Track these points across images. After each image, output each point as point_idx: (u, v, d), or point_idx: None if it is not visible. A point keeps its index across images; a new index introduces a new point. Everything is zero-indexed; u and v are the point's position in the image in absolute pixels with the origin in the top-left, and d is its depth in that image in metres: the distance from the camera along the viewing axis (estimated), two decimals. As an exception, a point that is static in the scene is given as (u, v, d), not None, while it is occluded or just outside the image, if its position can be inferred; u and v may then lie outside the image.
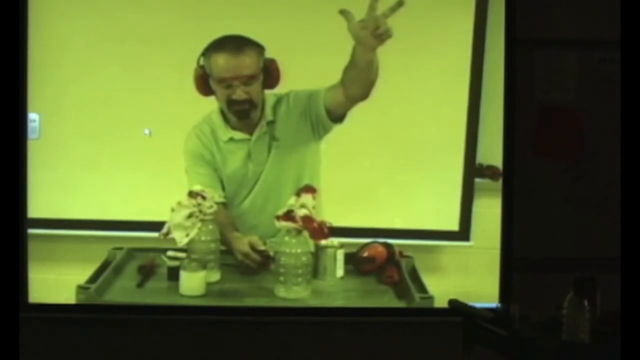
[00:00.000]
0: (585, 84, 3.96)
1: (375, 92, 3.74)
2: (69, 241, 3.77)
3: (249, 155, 3.77)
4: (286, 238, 3.59)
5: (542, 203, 3.94)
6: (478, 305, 3.22)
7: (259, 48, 3.71)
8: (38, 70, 3.74)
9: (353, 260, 3.81)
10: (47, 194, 3.78)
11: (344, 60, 3.71)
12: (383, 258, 3.81)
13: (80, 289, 3.66)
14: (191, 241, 3.63)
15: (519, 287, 3.84)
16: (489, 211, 3.86)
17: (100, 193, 3.78)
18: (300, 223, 3.55)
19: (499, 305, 3.39)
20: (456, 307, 3.16)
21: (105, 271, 3.73)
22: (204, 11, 3.76)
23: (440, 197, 3.78)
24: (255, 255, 3.71)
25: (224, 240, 3.72)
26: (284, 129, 3.78)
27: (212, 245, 3.67)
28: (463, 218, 3.89)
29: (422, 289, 3.67)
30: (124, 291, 3.68)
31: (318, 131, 3.78)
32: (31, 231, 3.77)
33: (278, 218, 3.58)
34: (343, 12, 3.63)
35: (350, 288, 3.75)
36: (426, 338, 3.54)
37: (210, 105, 3.76)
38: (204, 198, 3.63)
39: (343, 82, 3.70)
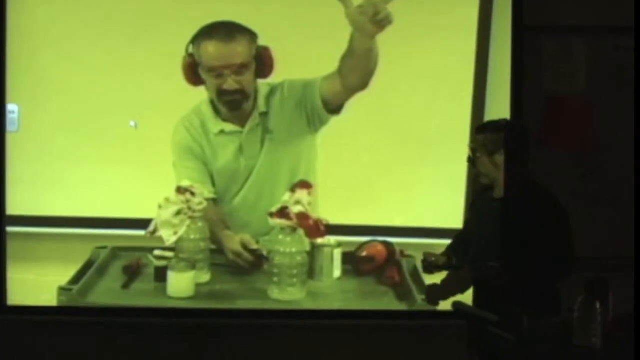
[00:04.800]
0: (597, 73, 3.96)
1: (375, 82, 3.75)
2: (50, 240, 3.79)
3: (240, 149, 3.77)
4: (280, 236, 3.58)
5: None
6: None
7: (251, 35, 3.70)
8: (16, 59, 3.75)
9: (351, 260, 3.81)
10: (27, 190, 3.80)
11: (341, 48, 3.69)
12: (383, 257, 3.81)
13: (62, 290, 3.65)
14: (179, 240, 3.63)
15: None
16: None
17: (84, 189, 3.80)
18: (295, 220, 3.54)
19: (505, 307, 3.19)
20: (460, 310, 3.09)
21: (89, 271, 3.72)
22: (193, -5, 3.76)
23: (444, 193, 3.78)
24: (247, 255, 3.69)
25: (214, 238, 3.72)
26: (278, 120, 3.77)
27: (202, 244, 3.67)
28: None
29: (424, 290, 3.60)
30: (108, 293, 3.66)
31: (314, 123, 3.79)
32: (10, 229, 3.80)
33: (272, 215, 3.56)
34: (340, -3, 3.62)
35: (348, 289, 3.74)
36: (428, 342, 3.57)
37: (200, 95, 3.77)
38: (193, 194, 3.63)
39: (340, 71, 3.69)
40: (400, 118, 3.84)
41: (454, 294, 3.24)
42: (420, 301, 3.60)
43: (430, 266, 3.31)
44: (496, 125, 3.22)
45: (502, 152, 3.14)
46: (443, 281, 3.27)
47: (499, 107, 3.84)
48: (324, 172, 3.80)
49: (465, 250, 3.31)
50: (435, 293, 3.29)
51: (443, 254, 3.37)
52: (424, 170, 3.81)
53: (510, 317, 3.01)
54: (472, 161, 3.23)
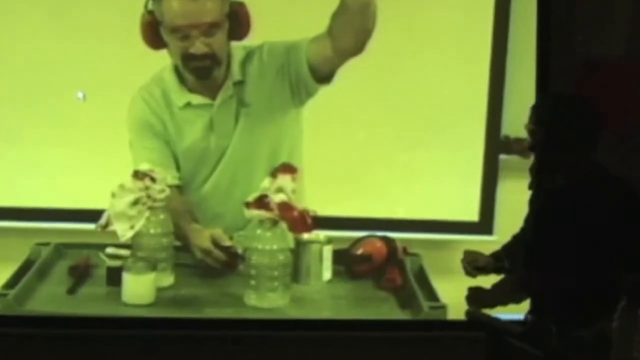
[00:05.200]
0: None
1: (372, 45, 3.66)
2: (-20, 234, 3.84)
3: (210, 125, 3.75)
4: (258, 231, 3.47)
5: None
6: (504, 316, 3.20)
7: (223, -12, 3.71)
8: None
9: (344, 259, 3.76)
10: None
11: (332, 3, 3.62)
12: (382, 256, 3.72)
13: (-5, 295, 3.62)
14: (137, 235, 3.54)
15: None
16: (518, 197, 3.76)
17: (22, 174, 3.85)
18: (277, 211, 3.43)
19: (531, 316, 3.34)
20: (476, 320, 3.16)
21: (28, 273, 3.65)
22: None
23: (456, 179, 3.86)
24: (218, 253, 3.59)
25: (179, 233, 3.65)
26: (256, 91, 3.74)
27: (164, 240, 3.58)
28: (484, 205, 3.94)
29: (432, 295, 3.57)
30: (51, 299, 3.57)
31: (299, 94, 3.75)
32: None
33: (248, 205, 3.46)
34: (331, -59, 3.60)
35: (340, 294, 3.66)
36: (438, 358, 3.53)
37: (162, 61, 3.72)
38: (153, 180, 3.54)
39: (331, 31, 3.65)
40: (402, 89, 3.87)
41: (505, 302, 3.30)
42: (427, 309, 3.50)
43: (470, 267, 3.39)
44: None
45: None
46: (495, 285, 3.32)
47: (523, 76, 3.85)
48: (311, 154, 3.78)
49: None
50: (481, 297, 3.34)
51: (493, 255, 3.39)
52: (432, 152, 3.85)
53: (538, 327, 3.11)
54: (530, 145, 3.25)
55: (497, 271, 3.37)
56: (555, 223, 3.15)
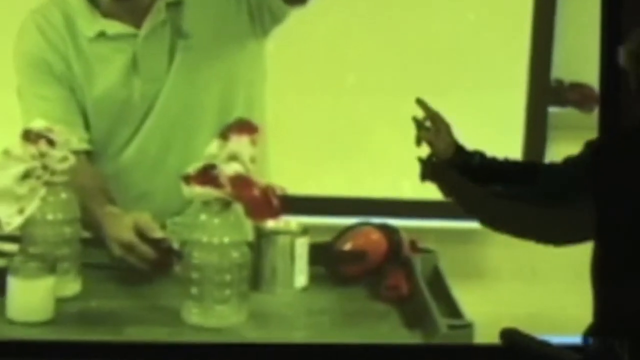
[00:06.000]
0: None
1: None
2: None
3: (134, 65, 3.56)
4: (203, 216, 3.23)
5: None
6: (554, 339, 3.00)
7: None
8: None
9: (326, 258, 3.53)
10: None
11: None
12: (380, 253, 3.50)
13: None
14: (28, 222, 3.31)
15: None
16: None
17: None
18: (229, 189, 3.18)
19: (592, 339, 3.06)
20: (515, 343, 2.95)
21: None
22: None
23: (487, 142, 3.49)
24: (145, 248, 3.36)
25: (88, 220, 3.45)
26: (199, 15, 3.57)
27: (67, 230, 3.35)
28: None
29: (451, 309, 3.30)
30: None
31: (261, 20, 3.60)
32: None
33: (188, 180, 3.21)
34: None
35: (320, 308, 3.42)
36: None
37: None
38: (51, 143, 3.32)
39: None
40: (409, 14, 3.88)
41: (468, 194, 3.30)
42: (445, 328, 3.23)
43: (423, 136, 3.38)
44: None
45: None
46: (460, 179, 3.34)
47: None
48: (277, 106, 3.64)
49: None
50: (439, 169, 3.32)
51: (468, 151, 3.34)
52: (453, 103, 3.58)
53: (602, 354, 2.94)
54: None
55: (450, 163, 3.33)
56: None
